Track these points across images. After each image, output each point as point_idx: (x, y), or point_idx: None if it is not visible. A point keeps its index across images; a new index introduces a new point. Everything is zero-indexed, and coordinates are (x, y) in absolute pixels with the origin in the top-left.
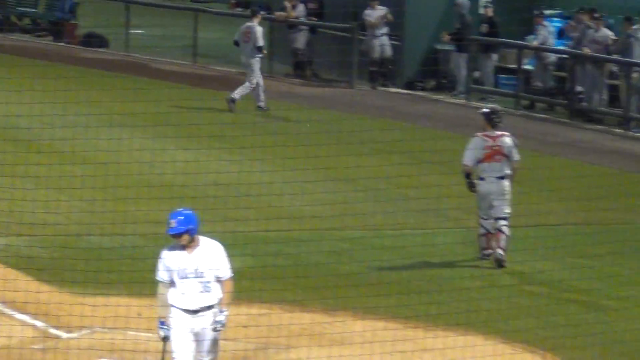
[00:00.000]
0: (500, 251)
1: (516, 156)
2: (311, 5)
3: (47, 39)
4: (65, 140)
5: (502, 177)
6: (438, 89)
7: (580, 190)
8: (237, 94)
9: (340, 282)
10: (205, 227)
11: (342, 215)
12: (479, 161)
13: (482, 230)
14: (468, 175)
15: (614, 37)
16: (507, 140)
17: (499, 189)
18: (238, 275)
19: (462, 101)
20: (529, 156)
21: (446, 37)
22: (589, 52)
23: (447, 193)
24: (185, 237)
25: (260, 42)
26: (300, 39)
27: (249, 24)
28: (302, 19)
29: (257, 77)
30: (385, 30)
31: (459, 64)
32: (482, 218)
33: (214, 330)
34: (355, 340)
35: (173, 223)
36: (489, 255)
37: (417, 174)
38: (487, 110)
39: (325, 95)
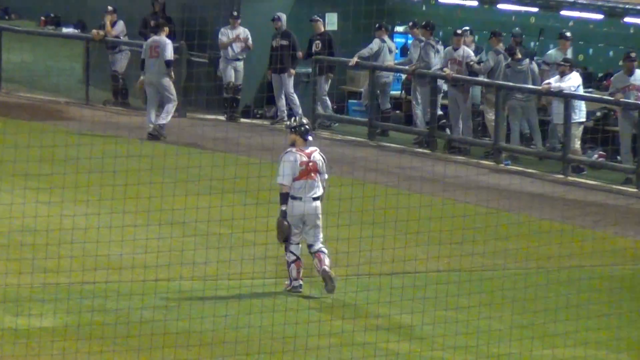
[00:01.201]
0: (327, 268)
1: (326, 174)
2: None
3: None
4: None
5: (316, 198)
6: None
7: (445, 233)
8: (163, 119)
9: (169, 342)
10: (10, 279)
11: (170, 264)
12: (295, 179)
13: (291, 257)
14: (284, 198)
15: (473, 58)
16: (319, 156)
17: (315, 211)
18: (49, 335)
19: None
20: (387, 194)
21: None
22: (450, 74)
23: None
24: None
25: (170, 57)
26: (121, 61)
27: (156, 37)
28: (123, 38)
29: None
30: (240, 53)
31: (288, 89)
32: (292, 243)
33: None
34: None
35: None
36: (300, 287)
37: (258, 216)
38: (298, 123)
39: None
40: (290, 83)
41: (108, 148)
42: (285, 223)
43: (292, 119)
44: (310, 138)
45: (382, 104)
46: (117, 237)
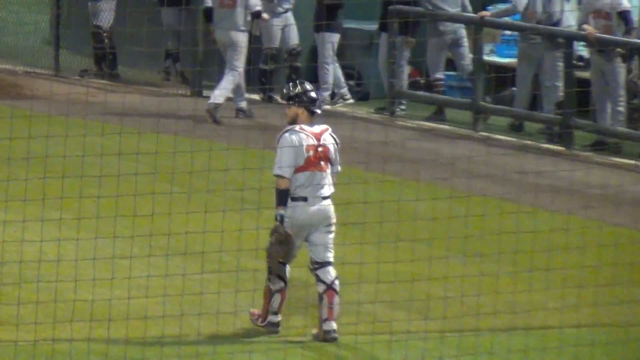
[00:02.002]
0: (334, 326)
1: (339, 166)
2: None
3: None
4: None
5: (326, 197)
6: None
7: (588, 270)
8: (218, 97)
9: None
10: None
11: (183, 314)
12: (298, 169)
13: (277, 284)
14: (283, 198)
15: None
16: (331, 138)
17: (325, 216)
18: None
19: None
20: (502, 211)
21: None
22: (592, 32)
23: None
24: None
25: (259, 6)
26: (106, 12)
27: None
28: None
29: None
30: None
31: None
32: (281, 262)
33: None
34: None
35: None
36: (279, 325)
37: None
38: (301, 89)
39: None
40: (329, 46)
41: (90, 142)
42: (287, 233)
43: (291, 84)
44: (318, 111)
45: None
46: (105, 273)
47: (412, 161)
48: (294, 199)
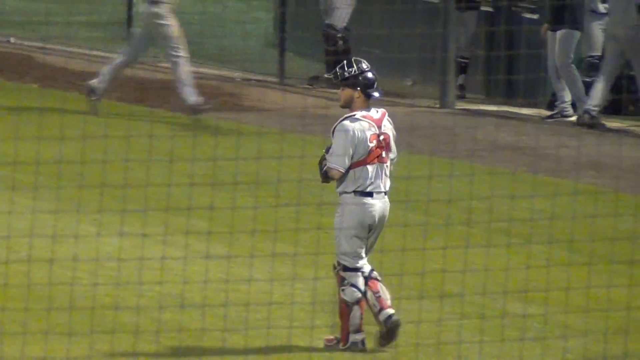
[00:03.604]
0: (391, 310)
1: (395, 152)
2: None
3: None
4: None
5: (386, 192)
6: None
7: None
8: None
9: None
10: None
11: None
12: (358, 163)
13: (354, 294)
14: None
15: None
16: (389, 124)
17: (386, 214)
18: None
19: None
20: None
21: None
22: None
23: None
24: None
25: None
26: (342, 9)
27: None
28: None
29: None
30: None
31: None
32: (352, 269)
33: None
34: None
35: None
36: (363, 342)
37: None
38: (357, 69)
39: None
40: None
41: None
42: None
43: (346, 63)
44: (376, 95)
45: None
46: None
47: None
48: (360, 194)
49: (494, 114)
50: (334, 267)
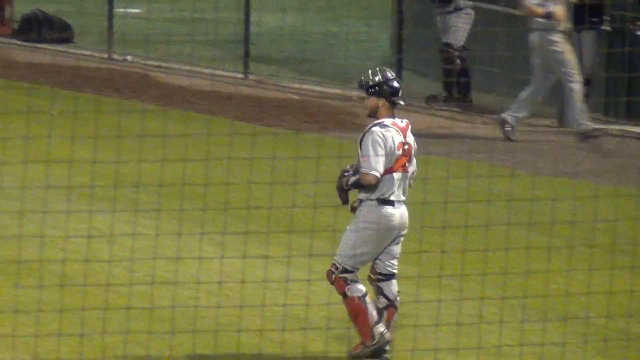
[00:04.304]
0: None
1: (415, 165)
2: None
3: None
4: None
5: (405, 202)
6: None
7: None
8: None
9: None
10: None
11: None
12: (386, 171)
13: (360, 287)
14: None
15: None
16: (411, 134)
17: (405, 222)
18: None
19: None
20: None
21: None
22: None
23: None
24: None
25: None
26: (459, 27)
27: None
28: None
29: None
30: None
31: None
32: (352, 271)
33: None
34: None
35: None
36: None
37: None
38: (382, 78)
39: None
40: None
41: (452, 184)
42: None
43: (371, 72)
44: (401, 102)
45: None
46: (463, 338)
47: None
48: (380, 202)
49: (616, 133)
50: (332, 273)
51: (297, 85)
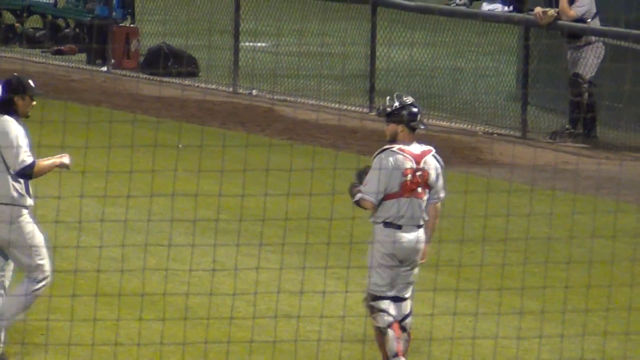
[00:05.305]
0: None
1: (443, 191)
2: None
3: (75, 58)
4: None
5: (421, 226)
6: None
7: None
8: None
9: None
10: None
11: None
12: (391, 196)
13: (385, 317)
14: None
15: None
16: (434, 162)
17: (419, 247)
18: None
19: None
20: None
21: None
22: None
23: None
24: None
25: None
26: (589, 60)
27: None
28: (588, 22)
29: None
30: None
31: None
32: (381, 297)
33: None
34: None
35: None
36: None
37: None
38: (400, 103)
39: None
40: None
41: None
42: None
43: (388, 99)
44: (421, 127)
45: None
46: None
47: None
48: (387, 225)
49: None
50: (365, 300)
51: None
